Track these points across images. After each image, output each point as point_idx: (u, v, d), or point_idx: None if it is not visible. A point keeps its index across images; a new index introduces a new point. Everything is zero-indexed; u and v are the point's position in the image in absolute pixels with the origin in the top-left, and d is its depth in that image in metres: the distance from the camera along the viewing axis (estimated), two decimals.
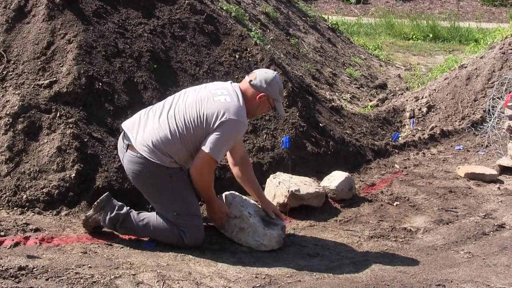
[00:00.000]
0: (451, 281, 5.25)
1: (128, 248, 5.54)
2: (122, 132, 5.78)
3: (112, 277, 4.84)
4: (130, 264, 5.14)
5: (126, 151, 5.64)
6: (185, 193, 5.68)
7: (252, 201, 6.26)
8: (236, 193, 6.22)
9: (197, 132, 5.51)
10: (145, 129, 5.59)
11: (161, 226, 5.64)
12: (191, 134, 5.51)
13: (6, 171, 6.14)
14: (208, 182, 5.74)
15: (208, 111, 5.49)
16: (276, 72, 5.92)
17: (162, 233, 5.65)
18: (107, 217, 5.62)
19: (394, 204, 7.17)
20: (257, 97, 5.71)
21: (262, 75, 5.78)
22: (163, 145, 5.48)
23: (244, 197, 6.24)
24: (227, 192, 6.21)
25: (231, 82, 5.86)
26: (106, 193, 5.77)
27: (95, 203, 5.68)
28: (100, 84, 6.90)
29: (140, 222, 5.66)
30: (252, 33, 10.02)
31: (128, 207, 5.72)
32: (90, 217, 5.65)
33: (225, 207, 6.00)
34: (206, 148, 5.45)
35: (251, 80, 5.75)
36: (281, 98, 5.89)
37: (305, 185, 6.89)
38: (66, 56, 6.97)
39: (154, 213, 5.71)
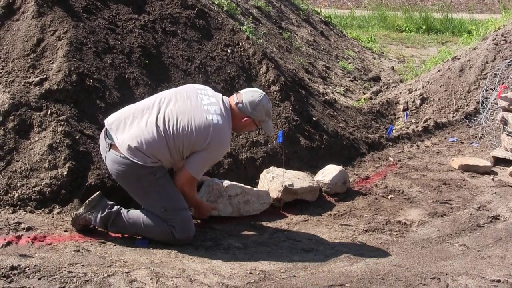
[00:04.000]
0: (446, 274, 5.23)
1: (121, 245, 5.50)
2: (104, 129, 5.78)
3: (105, 275, 4.79)
4: (123, 262, 5.10)
5: (109, 150, 5.64)
6: (170, 189, 5.68)
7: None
8: (215, 179, 6.48)
9: (183, 141, 5.54)
10: (130, 130, 5.58)
11: (151, 223, 5.62)
12: (177, 142, 5.53)
13: None
14: (190, 195, 5.88)
15: (200, 128, 5.52)
16: (263, 93, 5.92)
17: (152, 230, 5.63)
18: (98, 216, 5.59)
19: (389, 197, 7.15)
20: (243, 120, 5.81)
21: (248, 98, 5.82)
22: (146, 147, 5.48)
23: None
24: (210, 180, 6.39)
25: (222, 97, 5.87)
26: (97, 192, 5.74)
27: (86, 201, 5.64)
28: (91, 80, 6.86)
29: (131, 220, 5.64)
30: (244, 27, 9.98)
31: (118, 206, 5.70)
32: (80, 215, 5.61)
33: (211, 204, 6.24)
34: (189, 167, 5.62)
35: (237, 103, 5.80)
36: (268, 118, 5.92)
37: (298, 179, 6.87)
38: (56, 53, 6.92)
39: (144, 211, 5.69)
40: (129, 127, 5.60)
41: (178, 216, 5.61)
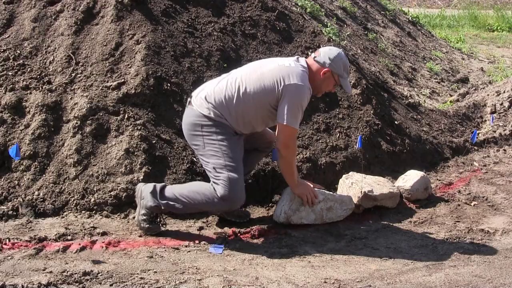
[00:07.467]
0: None
1: (195, 252, 5.46)
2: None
3: (177, 282, 4.78)
4: (196, 268, 5.07)
5: (187, 106, 5.85)
6: (227, 149, 5.62)
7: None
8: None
9: (260, 96, 5.61)
10: (212, 88, 5.73)
11: (194, 188, 5.68)
12: (254, 97, 5.61)
13: (75, 174, 6.15)
14: (293, 154, 5.94)
15: (272, 74, 5.61)
16: (341, 49, 5.93)
17: (196, 196, 5.63)
18: (149, 194, 5.67)
19: (472, 204, 6.91)
20: (321, 73, 5.76)
21: (326, 51, 5.84)
22: (215, 101, 5.62)
23: None
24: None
25: (298, 56, 5.90)
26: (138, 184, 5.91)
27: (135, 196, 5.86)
28: (169, 84, 6.87)
29: (176, 190, 5.70)
30: (328, 29, 9.87)
31: None
32: (139, 217, 5.73)
33: (312, 188, 6.17)
34: (282, 120, 5.59)
35: (315, 57, 5.82)
36: (346, 74, 5.89)
37: (378, 185, 6.70)
38: (134, 57, 6.96)
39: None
40: (209, 86, 5.81)
41: (225, 174, 5.55)
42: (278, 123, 5.63)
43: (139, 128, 6.42)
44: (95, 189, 6.08)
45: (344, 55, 5.86)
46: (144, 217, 5.66)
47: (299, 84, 5.54)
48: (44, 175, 6.15)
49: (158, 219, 5.82)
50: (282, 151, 5.75)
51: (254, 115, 5.69)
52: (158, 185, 5.71)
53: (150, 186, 5.72)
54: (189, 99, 5.83)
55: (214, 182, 5.57)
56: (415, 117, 8.97)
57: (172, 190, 5.70)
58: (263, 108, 5.65)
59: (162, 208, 5.69)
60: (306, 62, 5.80)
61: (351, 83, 8.11)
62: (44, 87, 6.69)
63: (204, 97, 5.64)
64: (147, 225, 5.66)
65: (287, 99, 5.53)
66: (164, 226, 5.88)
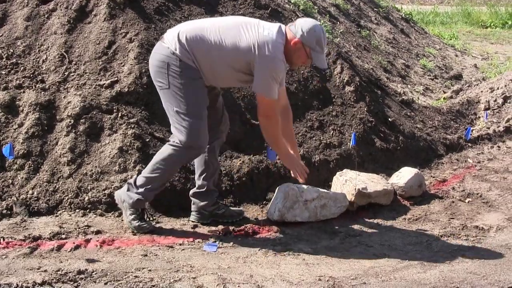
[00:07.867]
0: None
1: (190, 250, 5.46)
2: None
3: (172, 280, 4.78)
4: (190, 266, 5.07)
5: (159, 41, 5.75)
6: (192, 94, 5.55)
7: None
8: (291, 184, 6.31)
9: (230, 54, 5.52)
10: (187, 27, 5.63)
11: (157, 156, 5.65)
12: (224, 52, 5.50)
13: (68, 172, 6.15)
14: (276, 124, 5.75)
15: (249, 40, 5.50)
16: (319, 24, 5.74)
17: (162, 160, 5.59)
18: (126, 193, 5.68)
19: (466, 200, 6.93)
20: (292, 43, 5.59)
21: (301, 22, 5.68)
22: (189, 42, 5.49)
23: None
24: (286, 185, 6.26)
25: (280, 25, 5.75)
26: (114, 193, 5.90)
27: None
28: None
29: (144, 172, 5.68)
30: None
31: None
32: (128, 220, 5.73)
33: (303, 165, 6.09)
34: (256, 89, 5.59)
35: (290, 25, 5.69)
36: (319, 48, 5.65)
37: (372, 182, 6.71)
38: (127, 55, 6.95)
39: None
40: (182, 25, 5.77)
41: (186, 120, 5.49)
42: (255, 93, 5.68)
43: (132, 126, 6.41)
44: (89, 187, 6.07)
45: (319, 29, 5.66)
46: (132, 216, 5.66)
47: (271, 56, 5.44)
48: (38, 174, 6.14)
49: (146, 216, 5.83)
50: (264, 122, 5.71)
51: (220, 67, 5.59)
52: (130, 181, 5.71)
53: (124, 187, 5.73)
54: (162, 35, 5.75)
55: (175, 127, 5.54)
56: (408, 114, 8.98)
57: (142, 175, 5.67)
58: (230, 66, 5.56)
59: (143, 198, 5.66)
60: (285, 30, 5.68)
61: (345, 80, 8.13)
62: (37, 86, 6.67)
63: (177, 33, 5.52)
64: (137, 223, 5.65)
65: (260, 70, 5.46)
66: (154, 221, 5.91)
